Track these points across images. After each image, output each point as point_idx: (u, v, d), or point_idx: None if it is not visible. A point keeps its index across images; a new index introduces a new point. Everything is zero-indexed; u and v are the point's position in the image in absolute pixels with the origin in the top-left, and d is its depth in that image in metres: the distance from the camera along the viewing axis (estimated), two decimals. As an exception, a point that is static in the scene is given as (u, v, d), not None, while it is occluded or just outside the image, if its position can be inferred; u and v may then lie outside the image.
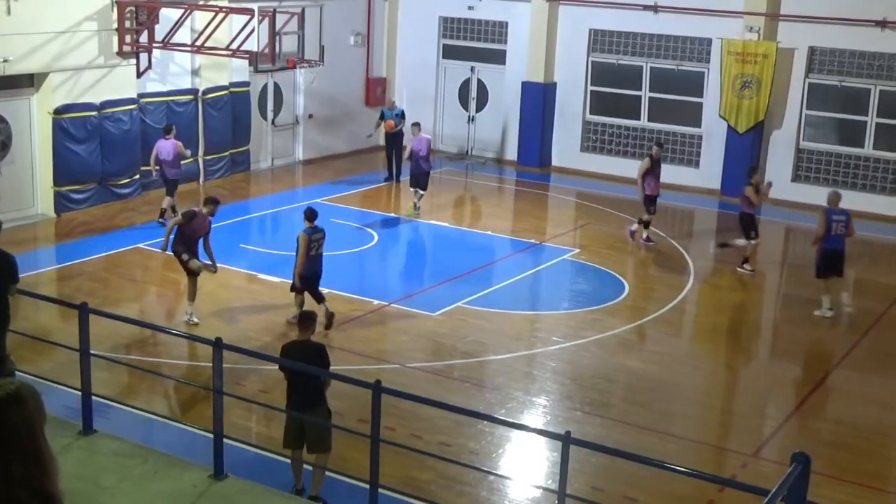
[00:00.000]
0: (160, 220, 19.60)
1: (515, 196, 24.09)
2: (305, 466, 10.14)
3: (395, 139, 24.61)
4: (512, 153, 26.62)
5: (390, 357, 14.23)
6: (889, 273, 19.88)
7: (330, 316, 14.64)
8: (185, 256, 14.74)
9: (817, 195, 22.85)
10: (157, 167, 19.56)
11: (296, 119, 25.96)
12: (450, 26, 27.59)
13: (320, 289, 14.77)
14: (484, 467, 11.20)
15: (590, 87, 25.98)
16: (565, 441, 7.37)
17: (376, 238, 19.44)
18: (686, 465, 9.90)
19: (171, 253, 14.93)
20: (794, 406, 13.38)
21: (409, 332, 15.20)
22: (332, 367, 10.14)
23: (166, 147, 19.45)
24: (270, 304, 15.86)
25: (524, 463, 11.73)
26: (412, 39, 27.79)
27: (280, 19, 19.94)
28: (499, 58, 26.87)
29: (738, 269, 18.81)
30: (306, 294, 14.68)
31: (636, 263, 19.56)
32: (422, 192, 21.54)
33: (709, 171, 24.54)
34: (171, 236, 14.85)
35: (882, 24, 22.32)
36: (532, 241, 20.14)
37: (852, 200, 23.00)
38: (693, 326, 17.01)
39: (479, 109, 27.51)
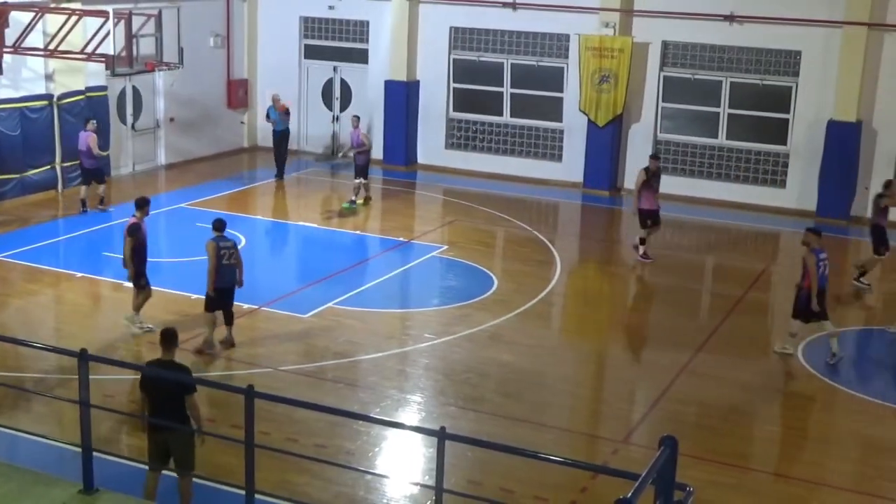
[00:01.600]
0: (83, 209, 20.82)
1: (382, 195, 24.12)
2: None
3: (281, 138, 24.50)
4: (377, 152, 26.65)
5: (262, 361, 14.10)
6: (745, 258, 20.55)
7: (231, 342, 14.44)
8: (142, 281, 14.63)
9: (676, 185, 23.60)
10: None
11: (157, 123, 25.46)
12: (311, 26, 27.44)
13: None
14: (360, 467, 11.21)
15: (452, 85, 26.18)
16: (440, 437, 7.43)
17: (244, 241, 19.23)
18: (559, 455, 10.08)
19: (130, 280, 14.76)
20: (661, 391, 13.76)
21: (280, 335, 15.09)
22: (202, 374, 10.01)
23: (82, 138, 20.68)
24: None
25: (401, 460, 11.78)
26: (273, 40, 27.55)
27: (136, 21, 19.51)
28: (361, 57, 26.85)
29: (855, 281, 18.34)
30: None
31: (504, 258, 19.80)
32: (364, 181, 22.31)
33: (571, 165, 25.00)
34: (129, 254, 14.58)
35: (730, 18, 23.10)
36: (400, 239, 20.21)
37: (708, 189, 23.90)
38: (561, 318, 17.32)
39: (342, 109, 27.43)
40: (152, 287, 14.94)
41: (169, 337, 9.81)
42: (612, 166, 24.57)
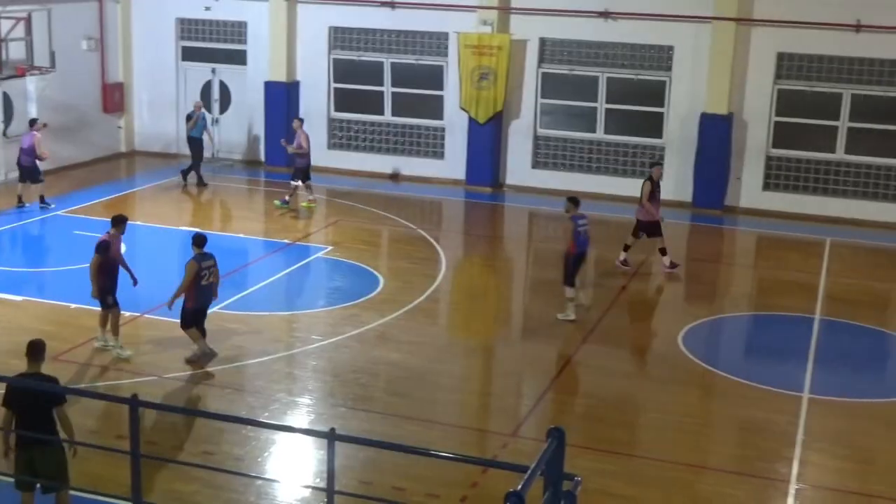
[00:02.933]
0: (18, 205, 21.30)
1: (265, 197, 23.92)
2: None
3: (197, 142, 24.20)
4: (259, 154, 26.41)
5: (146, 369, 13.86)
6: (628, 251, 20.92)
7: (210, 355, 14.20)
8: (110, 300, 14.10)
9: (556, 180, 23.97)
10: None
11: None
12: (188, 28, 27.02)
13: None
14: (250, 472, 11.12)
15: (333, 85, 26.09)
16: (330, 438, 7.42)
17: (124, 247, 18.84)
18: (449, 451, 10.16)
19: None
20: (548, 383, 13.96)
21: (164, 341, 14.85)
22: (84, 385, 9.78)
23: (26, 137, 21.21)
24: (14, 325, 15.10)
25: (291, 464, 11.71)
26: (148, 42, 27.04)
27: (5, 25, 18.97)
28: (240, 58, 26.54)
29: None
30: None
31: (389, 257, 19.84)
32: (301, 184, 22.27)
33: (453, 163, 25.15)
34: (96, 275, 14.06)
35: (605, 14, 23.53)
36: (285, 241, 20.07)
37: (588, 183, 24.26)
38: (448, 314, 17.42)
39: (222, 111, 27.10)
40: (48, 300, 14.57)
41: (36, 348, 9.41)
42: (494, 163, 24.79)
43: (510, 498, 5.45)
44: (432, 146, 25.79)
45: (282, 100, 25.76)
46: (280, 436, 12.00)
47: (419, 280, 17.97)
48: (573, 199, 16.48)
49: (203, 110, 24.66)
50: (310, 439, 11.85)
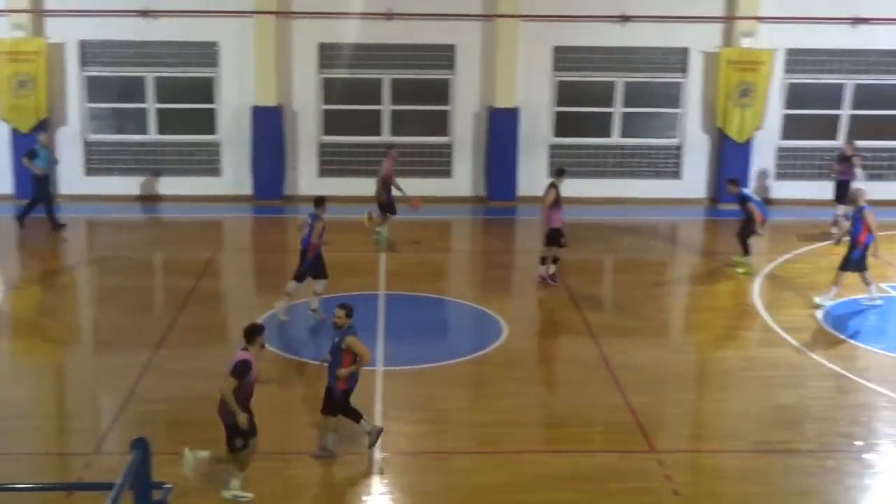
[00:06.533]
0: None
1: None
2: None
3: (47, 182, 21.26)
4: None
5: None
6: (192, 250, 20.71)
7: None
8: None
9: (114, 186, 23.28)
10: None
11: None
12: None
13: None
14: None
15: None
16: None
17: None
18: (27, 481, 9.66)
19: None
20: (127, 394, 13.60)
21: None
22: None
23: None
24: None
25: None
26: None
27: None
28: None
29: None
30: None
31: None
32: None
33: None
34: None
35: (145, 14, 23.11)
36: None
37: (148, 187, 23.79)
38: (10, 339, 16.40)
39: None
40: None
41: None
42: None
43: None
44: (-27, 161, 24.11)
45: None
46: None
47: (-26, 305, 16.79)
48: (319, 199, 16.28)
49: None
50: None
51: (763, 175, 24.91)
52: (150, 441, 6.50)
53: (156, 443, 6.60)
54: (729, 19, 23.92)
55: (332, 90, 24.07)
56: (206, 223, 22.87)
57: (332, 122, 24.22)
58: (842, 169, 22.30)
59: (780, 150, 24.91)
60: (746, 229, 19.18)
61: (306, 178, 24.18)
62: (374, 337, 15.67)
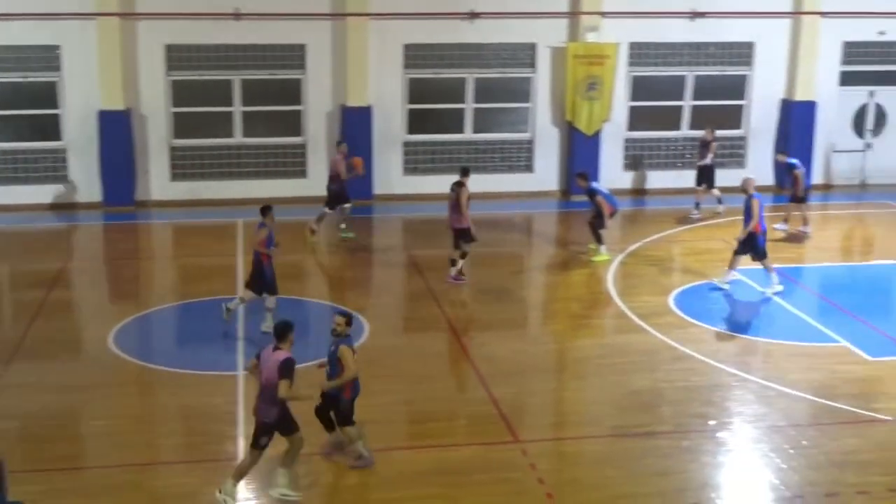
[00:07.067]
0: None
1: None
2: None
3: None
4: None
5: None
6: (41, 261, 20.11)
7: None
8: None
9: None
10: None
11: None
12: None
13: None
14: None
15: None
16: None
17: None
18: None
19: None
20: (-24, 413, 13.14)
21: None
22: None
23: None
24: None
25: None
26: None
27: None
28: None
29: None
30: None
31: None
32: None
33: None
34: None
35: (-20, 16, 22.37)
36: None
37: None
38: None
39: None
40: None
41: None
42: None
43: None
44: None
45: None
46: None
47: None
48: (266, 207, 15.95)
49: None
50: None
51: (636, 164, 25.58)
52: (3, 459, 6.33)
53: (10, 461, 6.41)
54: (574, 14, 24.42)
55: (181, 92, 23.64)
56: (54, 232, 22.20)
57: (183, 125, 23.79)
58: (704, 154, 23.26)
59: (628, 140, 25.57)
60: (598, 221, 19.71)
61: (158, 183, 23.71)
62: (235, 341, 15.50)
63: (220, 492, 10.83)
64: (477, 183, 24.69)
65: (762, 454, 12.23)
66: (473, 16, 24.10)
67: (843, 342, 15.73)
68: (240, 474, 10.95)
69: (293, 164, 24.39)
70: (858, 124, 26.47)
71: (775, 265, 18.18)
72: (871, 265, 20.29)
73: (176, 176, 23.89)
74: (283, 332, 10.94)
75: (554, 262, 20.43)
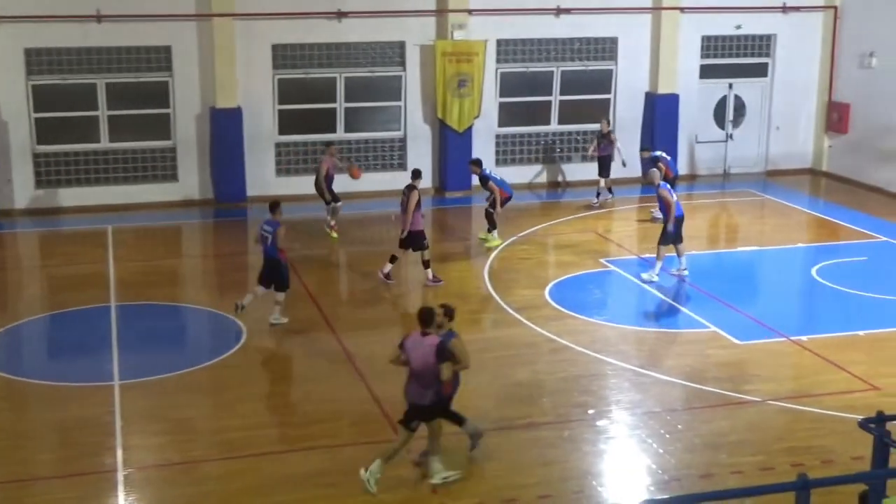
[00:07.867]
0: None
1: None
2: None
3: None
4: None
5: None
6: None
7: None
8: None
9: None
10: None
11: None
12: None
13: None
14: None
15: None
16: None
17: None
18: None
19: None
20: None
21: None
22: None
23: None
24: None
25: None
26: None
27: None
28: None
29: None
30: None
31: None
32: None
33: None
34: None
35: None
36: None
37: None
38: None
39: None
40: None
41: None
42: None
43: None
44: None
45: None
46: None
47: None
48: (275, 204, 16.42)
49: None
50: None
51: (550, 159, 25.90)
52: None
53: None
54: (441, 13, 24.58)
55: (43, 97, 22.96)
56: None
57: (46, 131, 23.11)
58: (602, 146, 24.09)
59: (499, 136, 25.86)
60: (493, 206, 20.39)
61: (22, 190, 22.99)
62: (110, 350, 15.19)
63: (364, 470, 11.09)
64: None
65: (640, 440, 12.56)
66: (341, 15, 24.04)
67: (713, 327, 16.24)
68: (389, 455, 11.28)
69: (163, 167, 23.95)
70: (719, 116, 27.32)
71: (647, 255, 18.63)
72: (736, 252, 20.98)
73: (40, 183, 23.21)
74: (429, 316, 11.38)
75: (432, 258, 20.52)
